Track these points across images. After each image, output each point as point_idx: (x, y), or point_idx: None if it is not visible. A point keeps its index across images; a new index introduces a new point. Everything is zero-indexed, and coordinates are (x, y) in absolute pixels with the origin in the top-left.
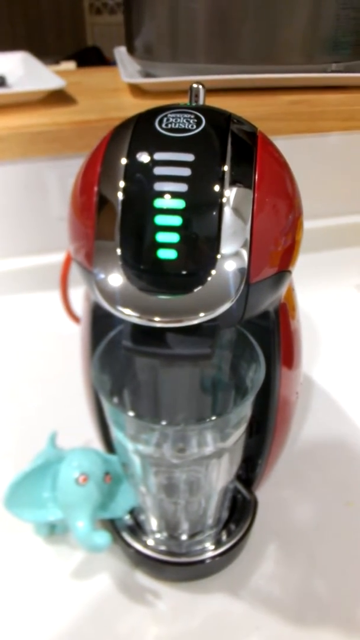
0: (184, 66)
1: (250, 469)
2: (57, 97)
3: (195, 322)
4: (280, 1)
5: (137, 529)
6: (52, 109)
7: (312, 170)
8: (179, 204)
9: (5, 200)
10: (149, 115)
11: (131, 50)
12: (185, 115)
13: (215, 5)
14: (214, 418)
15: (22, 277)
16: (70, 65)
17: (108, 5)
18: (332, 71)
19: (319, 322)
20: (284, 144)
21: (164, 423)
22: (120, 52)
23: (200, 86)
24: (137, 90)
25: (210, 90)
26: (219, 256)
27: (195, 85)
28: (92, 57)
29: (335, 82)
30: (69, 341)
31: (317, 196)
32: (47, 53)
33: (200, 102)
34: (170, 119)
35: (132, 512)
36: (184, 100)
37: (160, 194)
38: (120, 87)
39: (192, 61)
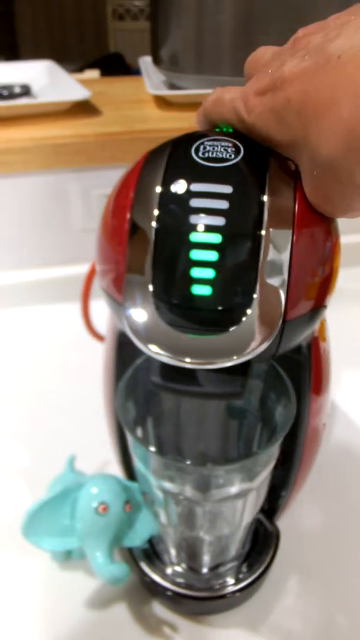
0: (209, 78)
1: (273, 499)
2: (82, 108)
3: (229, 364)
4: (306, 14)
5: (155, 558)
6: (77, 120)
7: None
8: (216, 238)
9: (29, 211)
10: (185, 142)
11: (156, 61)
12: (223, 144)
13: (241, 17)
14: (242, 460)
15: (44, 289)
16: (94, 73)
17: (131, 12)
18: None
19: (342, 345)
20: None
21: (189, 462)
22: (145, 62)
23: None
24: (161, 101)
25: None
26: (255, 295)
27: None
28: (115, 64)
29: None
30: (90, 356)
31: None
32: (69, 59)
33: None
34: (208, 147)
35: (150, 540)
36: None
37: (197, 227)
38: (145, 97)
39: (218, 73)
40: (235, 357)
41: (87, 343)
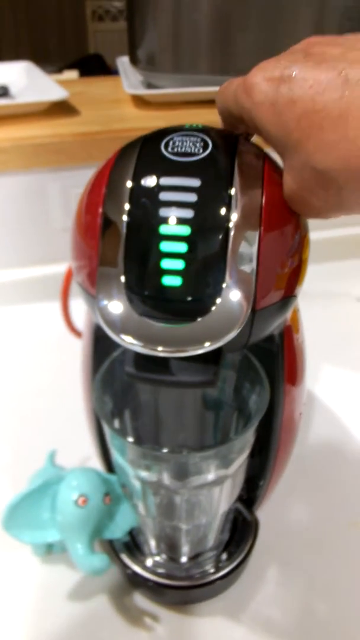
0: (186, 77)
1: (251, 489)
2: (60, 108)
3: (200, 351)
4: (283, 12)
5: (135, 549)
6: (55, 120)
7: None
8: (185, 230)
9: (8, 211)
10: (155, 138)
11: (134, 61)
12: (192, 139)
13: (218, 16)
14: (217, 446)
15: (23, 288)
16: (72, 74)
17: (110, 13)
18: None
19: (319, 336)
20: None
21: (165, 450)
22: (123, 63)
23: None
24: (139, 101)
25: (212, 102)
26: (224, 284)
27: None
28: (95, 65)
29: None
30: (70, 354)
31: None
32: (49, 60)
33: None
34: (177, 142)
35: (131, 531)
36: (186, 111)
37: (166, 220)
38: (123, 97)
39: (195, 72)
40: (206, 345)
41: (68, 341)
